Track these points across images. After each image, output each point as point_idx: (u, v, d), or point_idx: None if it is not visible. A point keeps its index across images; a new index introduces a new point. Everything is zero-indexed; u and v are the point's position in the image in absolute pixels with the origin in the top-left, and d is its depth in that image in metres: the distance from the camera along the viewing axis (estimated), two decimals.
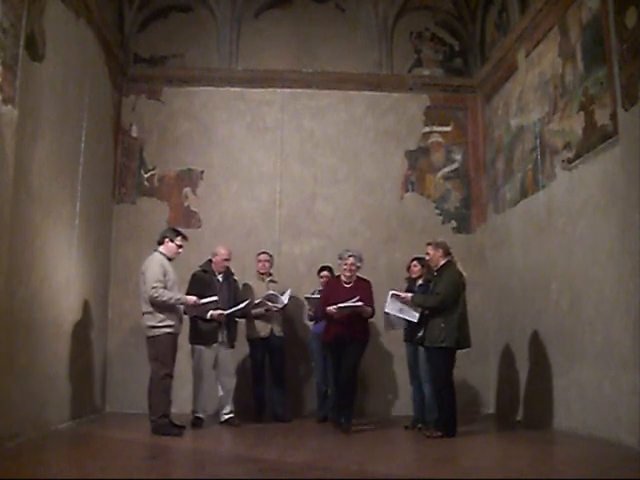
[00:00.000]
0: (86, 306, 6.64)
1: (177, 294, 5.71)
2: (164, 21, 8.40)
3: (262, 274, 6.94)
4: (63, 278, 6.01)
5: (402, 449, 5.00)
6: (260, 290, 6.79)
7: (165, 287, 5.58)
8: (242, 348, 7.01)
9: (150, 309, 5.56)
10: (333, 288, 6.09)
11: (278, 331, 6.76)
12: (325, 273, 6.98)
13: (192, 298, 5.80)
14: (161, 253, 5.77)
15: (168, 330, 5.55)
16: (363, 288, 6.00)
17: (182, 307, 5.79)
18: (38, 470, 3.88)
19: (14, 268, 4.85)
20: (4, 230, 4.62)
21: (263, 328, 6.70)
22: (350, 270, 6.02)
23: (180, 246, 5.86)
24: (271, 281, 6.94)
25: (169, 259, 5.78)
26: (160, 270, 5.61)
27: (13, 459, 4.21)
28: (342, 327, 5.83)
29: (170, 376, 5.55)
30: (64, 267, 6.05)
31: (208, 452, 4.88)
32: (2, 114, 4.55)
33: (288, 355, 7.10)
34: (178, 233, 5.90)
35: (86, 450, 4.85)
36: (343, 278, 6.07)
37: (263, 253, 7.07)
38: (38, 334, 5.37)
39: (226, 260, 6.43)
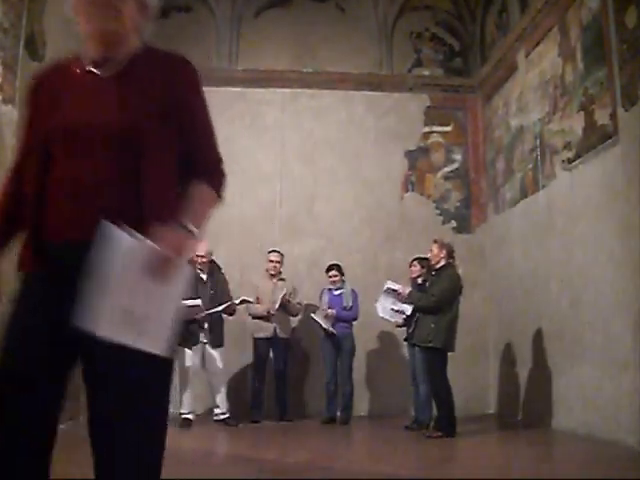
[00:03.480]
0: None
1: None
2: (164, 21, 8.39)
3: (273, 275, 6.83)
4: None
5: (402, 449, 5.00)
6: (267, 289, 6.70)
7: None
8: (243, 347, 7.00)
9: None
10: (53, 90, 1.70)
11: (282, 332, 6.67)
12: (334, 272, 6.81)
13: None
14: None
15: None
16: (155, 79, 1.67)
17: None
18: None
19: (14, 268, 4.84)
20: None
21: (266, 328, 6.65)
22: (103, 11, 1.61)
23: None
24: (280, 279, 6.81)
25: None
26: None
27: None
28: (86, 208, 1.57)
29: None
30: None
31: (208, 452, 4.88)
32: (2, 114, 4.56)
33: (295, 355, 7.09)
34: None
35: (86, 450, 4.83)
36: (89, 54, 1.70)
37: (274, 252, 6.92)
38: None
39: (199, 258, 6.26)
